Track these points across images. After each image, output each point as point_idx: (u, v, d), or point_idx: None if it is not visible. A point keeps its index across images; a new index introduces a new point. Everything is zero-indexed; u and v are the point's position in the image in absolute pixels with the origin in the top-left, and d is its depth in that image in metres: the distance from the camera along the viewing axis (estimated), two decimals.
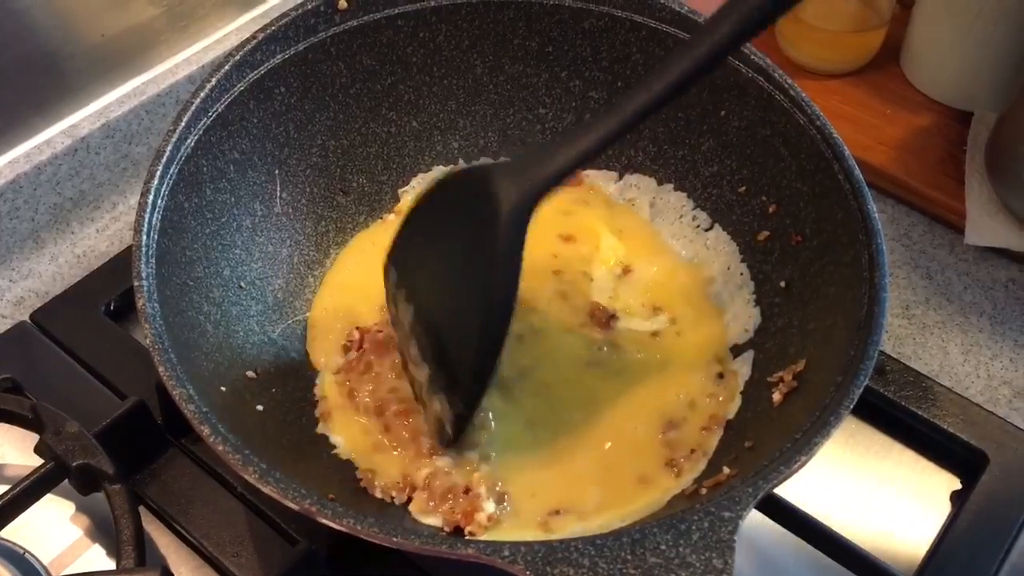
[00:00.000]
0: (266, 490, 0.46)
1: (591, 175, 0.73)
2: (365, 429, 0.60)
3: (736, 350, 0.64)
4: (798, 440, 0.48)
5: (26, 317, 0.73)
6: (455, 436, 0.58)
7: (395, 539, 0.44)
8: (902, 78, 0.90)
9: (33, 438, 0.62)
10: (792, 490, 0.62)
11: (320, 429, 0.61)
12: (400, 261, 0.60)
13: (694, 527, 0.43)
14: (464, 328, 0.55)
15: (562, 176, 0.52)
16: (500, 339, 0.55)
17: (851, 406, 0.48)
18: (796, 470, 0.46)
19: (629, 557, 0.42)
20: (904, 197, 0.83)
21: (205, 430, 0.48)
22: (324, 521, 0.45)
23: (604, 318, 0.65)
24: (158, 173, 0.57)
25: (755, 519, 0.60)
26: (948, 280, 0.78)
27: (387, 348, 0.63)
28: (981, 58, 0.84)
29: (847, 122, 0.87)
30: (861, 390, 0.49)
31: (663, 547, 0.42)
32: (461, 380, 0.55)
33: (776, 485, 0.45)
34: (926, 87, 0.88)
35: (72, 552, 0.63)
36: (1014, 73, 0.82)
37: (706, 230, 0.69)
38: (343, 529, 0.45)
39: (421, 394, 0.59)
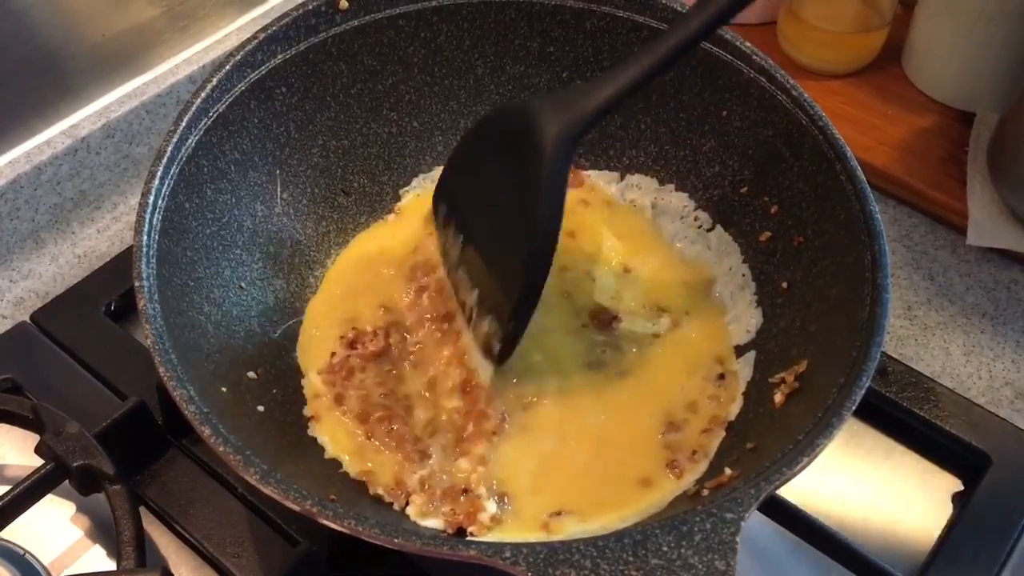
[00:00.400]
0: (267, 491, 0.46)
1: (592, 175, 0.73)
2: (350, 432, 0.60)
3: (738, 351, 0.64)
4: (800, 441, 0.48)
5: (26, 317, 0.73)
6: (503, 356, 0.61)
7: (396, 540, 0.44)
8: (904, 79, 0.90)
9: (33, 439, 0.62)
10: (793, 491, 0.62)
11: (310, 431, 0.61)
12: (448, 197, 0.65)
13: (696, 528, 0.43)
14: (513, 256, 0.58)
15: (602, 112, 0.55)
16: (546, 265, 0.58)
17: (853, 407, 0.48)
18: (799, 471, 0.46)
19: (631, 559, 0.42)
20: (906, 198, 0.83)
21: (206, 431, 0.48)
22: (325, 522, 0.45)
23: (606, 320, 0.65)
24: (159, 173, 0.57)
25: (756, 519, 0.60)
26: (950, 281, 0.78)
27: (375, 359, 0.64)
28: (983, 58, 0.84)
29: (848, 123, 0.86)
30: (864, 391, 0.49)
31: (665, 548, 0.42)
32: (510, 302, 0.58)
33: (779, 487, 0.45)
34: (928, 88, 0.88)
35: (72, 553, 0.63)
36: (1016, 73, 0.82)
37: (708, 231, 0.69)
38: (345, 531, 0.45)
39: (471, 317, 0.62)
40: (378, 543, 0.44)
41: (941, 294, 0.77)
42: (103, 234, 0.81)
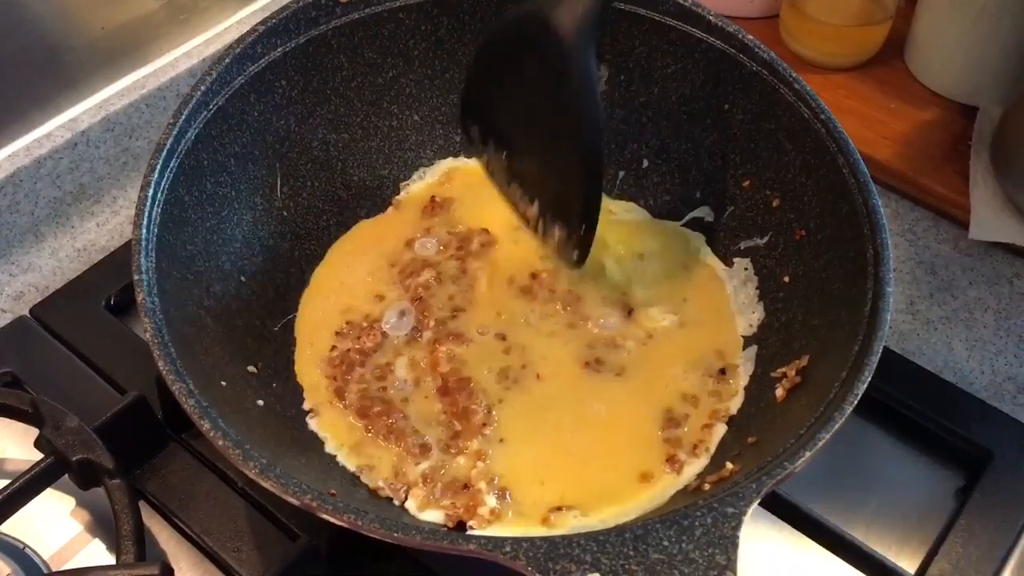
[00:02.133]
0: (266, 485, 0.46)
1: None
2: (351, 426, 0.60)
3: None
4: (802, 436, 0.48)
5: (26, 311, 0.72)
6: (581, 258, 0.62)
7: (396, 535, 0.44)
8: (907, 72, 0.90)
9: (33, 433, 0.62)
10: (794, 486, 0.62)
11: (310, 425, 0.61)
12: (477, 116, 0.64)
13: (697, 523, 0.43)
14: (565, 157, 0.58)
15: None
16: (599, 158, 0.59)
17: (855, 402, 0.48)
18: (801, 466, 0.46)
19: (632, 553, 0.42)
20: (909, 192, 0.82)
21: (205, 425, 0.47)
22: (325, 516, 0.45)
23: (622, 311, 0.65)
24: (158, 166, 0.57)
25: (757, 513, 0.60)
26: (953, 276, 0.77)
27: (372, 353, 0.64)
28: (986, 52, 0.83)
29: (851, 116, 0.86)
30: (865, 386, 0.49)
31: (666, 543, 0.42)
32: (575, 205, 0.59)
33: (780, 482, 0.45)
34: (931, 81, 0.88)
35: (72, 547, 0.63)
36: (1019, 67, 0.81)
37: (709, 224, 0.69)
38: (344, 524, 0.45)
39: (538, 229, 0.63)
40: (378, 537, 0.44)
41: (943, 288, 0.77)
42: (103, 228, 0.81)
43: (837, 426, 0.47)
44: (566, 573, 0.41)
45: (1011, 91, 0.80)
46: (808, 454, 0.46)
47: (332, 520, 0.45)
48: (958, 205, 0.79)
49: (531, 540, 0.42)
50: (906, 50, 0.90)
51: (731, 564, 0.41)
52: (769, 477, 0.45)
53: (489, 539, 0.43)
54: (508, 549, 0.42)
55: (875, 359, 0.50)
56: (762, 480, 0.45)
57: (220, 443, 0.47)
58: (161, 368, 0.50)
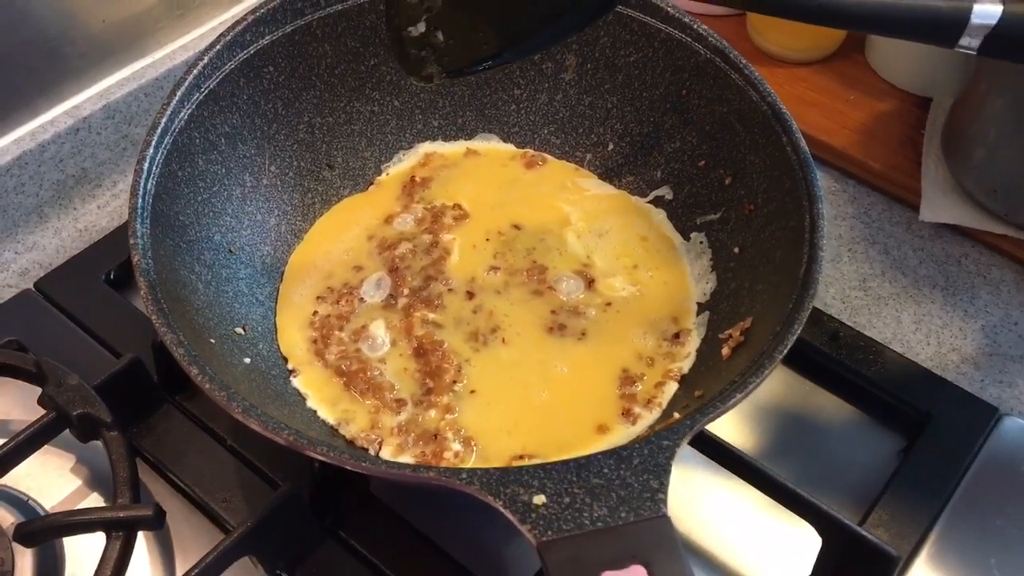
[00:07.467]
0: (249, 424, 0.50)
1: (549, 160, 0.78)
2: (330, 383, 0.65)
3: None
4: (736, 383, 0.52)
5: (31, 286, 0.77)
6: (445, 71, 0.57)
7: (364, 464, 0.48)
8: (866, 66, 0.94)
9: (35, 396, 0.66)
10: (751, 445, 0.68)
11: (292, 383, 0.65)
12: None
13: (635, 454, 0.47)
14: None
15: None
16: None
17: (785, 351, 0.52)
18: (732, 406, 0.50)
19: (574, 479, 0.46)
20: (865, 178, 0.87)
21: (194, 370, 0.51)
22: (302, 452, 0.49)
23: (585, 281, 0.70)
24: (153, 142, 0.61)
25: (716, 472, 0.64)
26: (904, 255, 0.82)
27: (349, 318, 0.68)
28: (940, 49, 0.87)
29: (813, 107, 0.90)
30: (795, 337, 0.53)
31: (606, 470, 0.46)
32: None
33: (712, 419, 0.49)
34: (888, 75, 0.92)
35: (72, 500, 0.67)
36: (969, 61, 0.85)
37: (669, 201, 0.73)
38: (318, 457, 0.49)
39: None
40: (348, 467, 0.48)
41: (895, 267, 0.81)
42: (103, 210, 0.85)
43: (767, 372, 0.51)
44: (515, 496, 0.45)
45: (962, 84, 0.84)
46: (739, 395, 0.50)
47: (308, 454, 0.49)
48: (911, 190, 0.84)
49: (485, 470, 0.47)
50: (866, 46, 0.95)
51: (663, 488, 0.45)
52: (702, 415, 0.49)
53: (447, 469, 0.48)
54: (464, 476, 0.46)
55: (805, 314, 0.54)
56: (696, 418, 0.49)
57: (207, 386, 0.51)
58: (154, 321, 0.53)
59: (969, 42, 0.52)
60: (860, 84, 0.93)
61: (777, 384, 0.73)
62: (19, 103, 0.81)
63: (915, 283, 0.80)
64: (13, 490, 0.66)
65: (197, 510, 0.65)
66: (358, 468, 0.48)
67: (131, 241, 0.57)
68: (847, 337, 0.73)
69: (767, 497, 0.62)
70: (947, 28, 0.52)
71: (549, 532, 0.44)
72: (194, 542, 0.64)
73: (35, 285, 0.77)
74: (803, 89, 0.92)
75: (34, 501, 0.66)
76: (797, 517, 0.62)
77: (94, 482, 0.68)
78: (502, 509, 0.45)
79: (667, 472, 0.46)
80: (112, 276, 0.77)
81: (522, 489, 0.46)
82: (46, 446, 0.66)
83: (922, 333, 0.77)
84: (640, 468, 0.46)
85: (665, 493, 0.45)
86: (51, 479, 0.67)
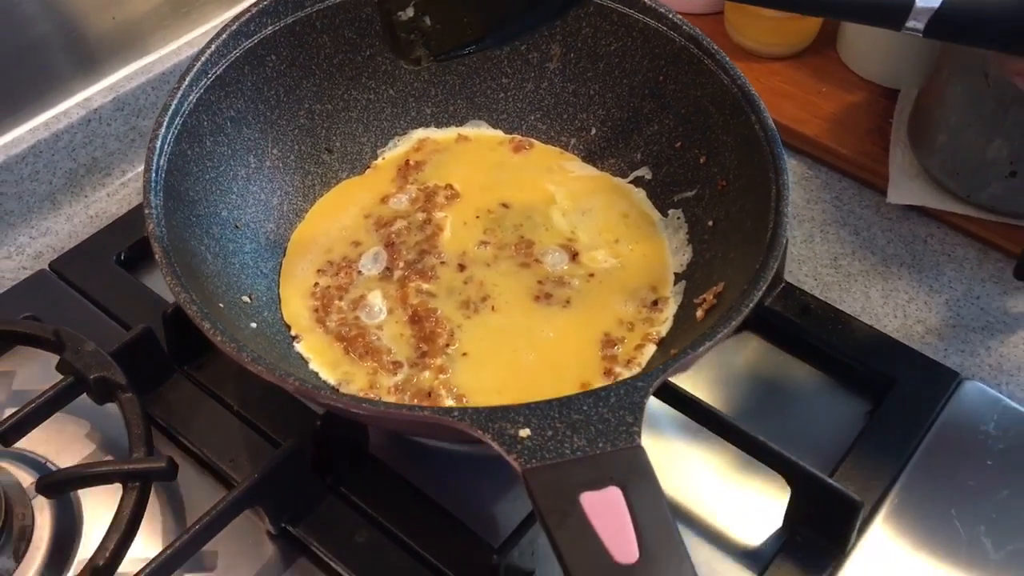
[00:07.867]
0: (256, 371, 0.53)
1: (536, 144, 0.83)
2: (331, 347, 0.69)
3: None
4: (705, 335, 0.56)
5: (45, 267, 0.81)
6: (432, 54, 0.62)
7: (364, 405, 0.52)
8: (838, 60, 0.99)
9: (52, 364, 0.69)
10: (729, 408, 0.72)
11: (295, 348, 0.69)
12: None
13: (612, 394, 0.51)
14: None
15: None
16: None
17: (751, 305, 0.57)
18: (701, 354, 0.54)
19: (556, 415, 0.50)
20: (836, 164, 0.91)
21: (206, 325, 0.55)
22: (305, 397, 0.53)
23: (569, 255, 0.74)
24: (164, 122, 0.66)
25: (695, 432, 0.68)
26: (873, 236, 0.86)
27: (348, 288, 0.72)
28: (906, 43, 0.91)
29: (788, 99, 0.95)
30: (760, 293, 0.57)
31: (585, 408, 0.50)
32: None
33: (682, 365, 0.54)
34: (858, 68, 0.97)
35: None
36: (933, 55, 0.90)
37: (649, 181, 0.78)
38: (323, 401, 0.53)
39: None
40: (345, 407, 0.52)
41: (864, 247, 0.85)
42: (113, 197, 0.89)
43: (734, 323, 0.56)
44: (503, 430, 0.49)
45: (928, 76, 0.89)
46: (708, 343, 0.54)
47: (311, 397, 0.53)
48: (879, 175, 0.88)
49: (474, 408, 0.51)
50: (837, 41, 0.99)
51: (637, 423, 0.50)
52: (674, 361, 0.54)
53: (440, 408, 0.52)
54: (456, 414, 0.50)
55: (770, 273, 0.58)
56: (668, 363, 0.53)
57: (218, 339, 0.55)
58: (169, 282, 0.57)
59: (915, 24, 0.57)
60: (831, 77, 0.97)
61: (751, 353, 0.77)
62: (34, 95, 0.85)
63: (883, 261, 0.84)
64: (32, 453, 0.70)
65: (205, 470, 0.69)
66: (359, 409, 0.52)
67: (146, 211, 0.61)
68: (818, 309, 0.77)
69: (739, 460, 0.66)
70: (894, 11, 0.57)
71: (533, 460, 0.48)
72: (204, 500, 0.67)
73: (50, 265, 0.81)
74: (778, 82, 0.97)
75: (51, 463, 0.69)
76: (767, 479, 0.66)
77: (108, 446, 0.71)
78: (490, 441, 0.49)
79: (641, 409, 0.50)
80: (123, 257, 0.81)
81: (508, 424, 0.50)
82: (62, 413, 0.69)
83: (889, 307, 0.81)
84: (616, 405, 0.50)
85: (639, 427, 0.49)
86: (67, 444, 0.71)
